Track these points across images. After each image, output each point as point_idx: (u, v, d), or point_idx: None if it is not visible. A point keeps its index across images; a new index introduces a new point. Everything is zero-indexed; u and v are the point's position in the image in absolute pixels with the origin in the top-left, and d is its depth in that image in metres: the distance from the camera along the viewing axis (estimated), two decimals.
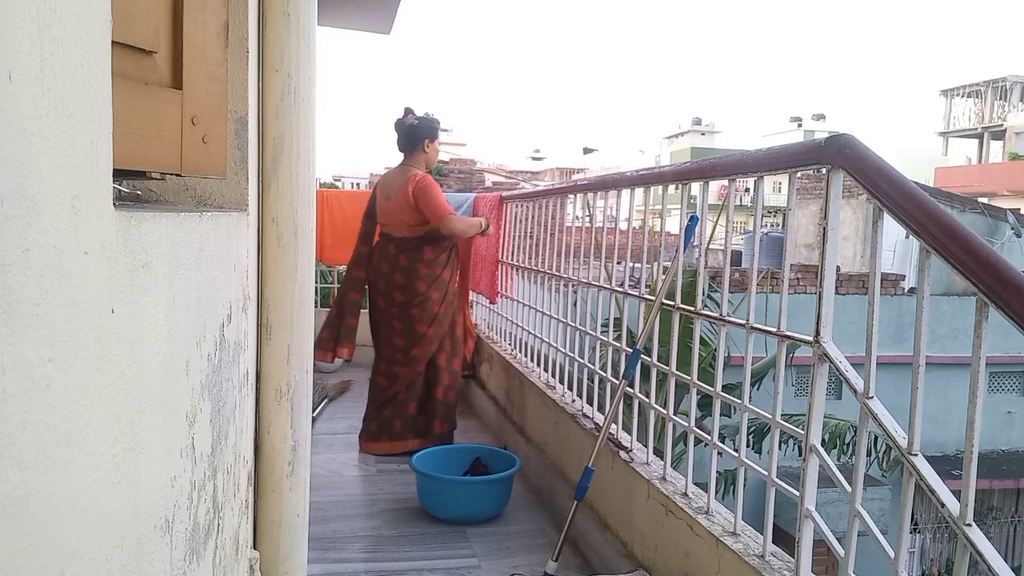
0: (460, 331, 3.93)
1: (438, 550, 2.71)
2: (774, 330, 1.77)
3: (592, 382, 2.91)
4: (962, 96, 32.15)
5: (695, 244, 2.31)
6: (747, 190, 2.40)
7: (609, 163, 43.90)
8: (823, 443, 1.63)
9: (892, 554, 1.36)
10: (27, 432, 0.60)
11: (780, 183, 21.51)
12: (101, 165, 0.72)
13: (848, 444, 6.09)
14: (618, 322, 2.75)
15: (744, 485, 1.93)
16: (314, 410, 4.22)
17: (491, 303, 4.52)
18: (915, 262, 4.83)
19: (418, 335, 3.66)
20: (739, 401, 1.93)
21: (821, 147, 1.56)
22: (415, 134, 3.67)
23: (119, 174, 0.93)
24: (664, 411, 2.31)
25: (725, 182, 2.00)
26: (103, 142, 0.73)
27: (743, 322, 1.89)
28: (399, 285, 3.65)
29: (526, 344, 3.88)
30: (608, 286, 2.78)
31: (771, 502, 1.78)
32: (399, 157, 3.77)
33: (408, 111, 3.72)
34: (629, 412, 2.53)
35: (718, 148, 39.59)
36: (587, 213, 3.29)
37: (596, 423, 2.77)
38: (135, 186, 1.30)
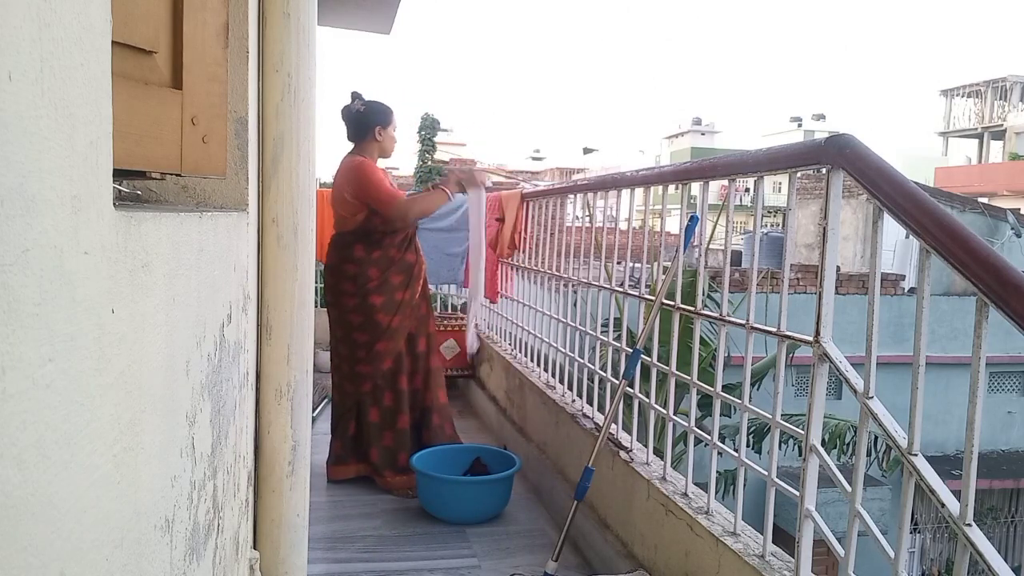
0: (433, 357, 3.35)
1: (438, 550, 2.71)
2: (774, 330, 1.77)
3: (592, 382, 2.91)
4: (962, 96, 32.16)
5: (695, 244, 2.31)
6: (747, 190, 2.40)
7: (609, 163, 43.87)
8: (823, 443, 1.63)
9: (892, 554, 1.36)
10: (27, 432, 0.60)
11: (780, 183, 21.50)
12: (101, 165, 0.72)
13: (848, 444, 6.09)
14: (618, 322, 2.75)
15: (744, 485, 1.93)
16: (314, 410, 4.22)
17: (491, 303, 4.53)
18: (915, 262, 4.83)
19: (359, 345, 3.19)
20: (739, 401, 1.93)
21: (821, 147, 1.56)
22: (363, 121, 3.20)
23: (119, 174, 0.93)
24: (664, 411, 2.31)
25: (725, 182, 2.01)
26: (103, 142, 0.73)
27: (743, 322, 1.89)
28: (329, 287, 3.25)
29: (526, 344, 3.88)
30: (608, 286, 2.78)
31: (771, 502, 1.78)
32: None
33: (355, 96, 3.25)
34: (629, 412, 2.53)
35: (718, 148, 39.58)
36: (587, 213, 3.29)
37: (596, 423, 2.77)
38: (135, 186, 1.30)
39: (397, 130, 3.31)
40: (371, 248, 3.17)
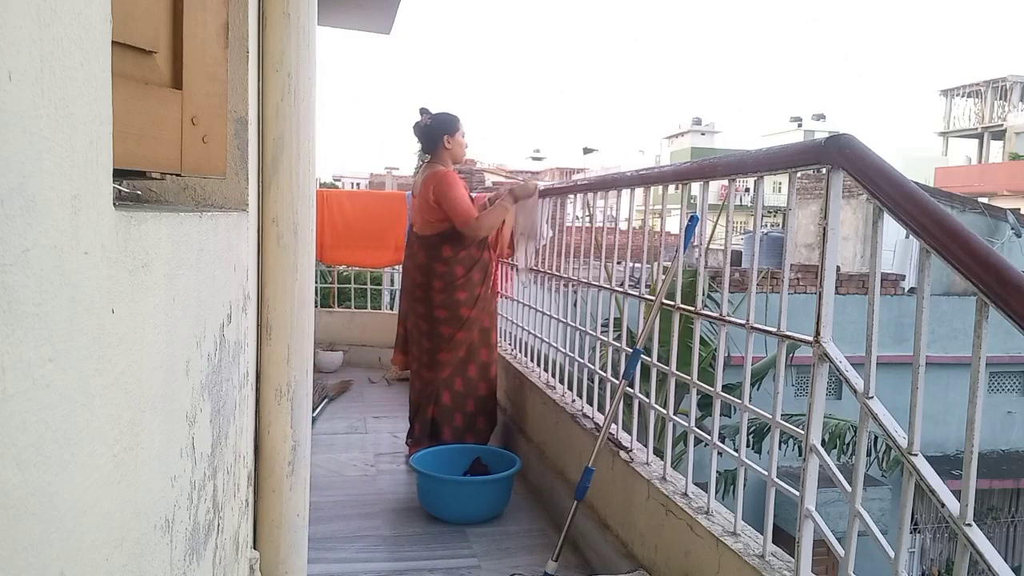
0: (486, 350, 3.61)
1: (438, 550, 2.71)
2: (774, 330, 1.77)
3: (592, 382, 2.91)
4: (962, 96, 32.16)
5: (695, 244, 2.31)
6: (747, 190, 2.40)
7: (609, 163, 43.90)
8: (823, 443, 1.63)
9: (892, 554, 1.36)
10: (27, 432, 0.60)
11: (780, 183, 21.50)
12: (101, 165, 0.72)
13: (848, 444, 6.09)
14: (618, 322, 2.75)
15: (744, 485, 1.92)
16: (314, 410, 4.22)
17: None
18: (915, 262, 4.82)
19: (443, 337, 3.50)
20: (739, 401, 1.93)
21: (821, 147, 1.56)
22: (431, 133, 3.54)
23: (119, 174, 0.93)
24: (664, 411, 2.31)
25: (725, 182, 2.01)
26: (103, 142, 0.73)
27: (743, 322, 1.89)
28: (418, 284, 3.54)
29: (526, 344, 3.88)
30: (608, 286, 2.78)
31: (771, 502, 1.78)
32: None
33: (423, 111, 3.60)
34: (629, 412, 2.52)
35: (718, 148, 39.57)
36: (587, 213, 3.29)
37: (596, 423, 2.77)
38: (135, 186, 1.30)
39: (466, 135, 3.61)
40: (457, 248, 3.48)
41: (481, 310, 3.55)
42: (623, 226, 3.05)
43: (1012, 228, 13.46)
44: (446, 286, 3.47)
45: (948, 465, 9.55)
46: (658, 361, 2.44)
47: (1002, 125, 30.16)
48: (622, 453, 2.47)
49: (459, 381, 3.56)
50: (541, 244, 3.64)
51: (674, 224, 13.65)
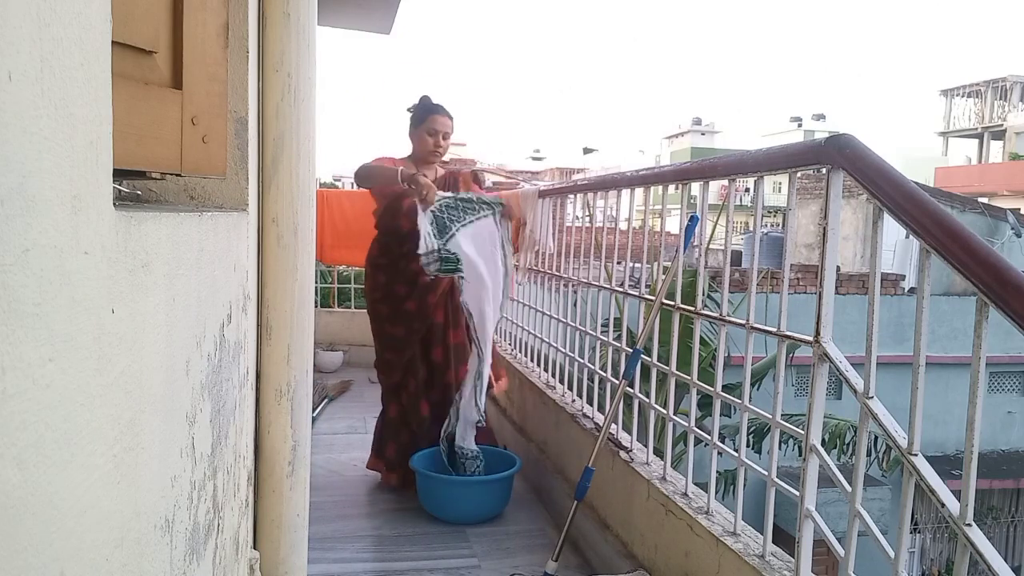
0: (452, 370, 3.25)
1: (438, 550, 2.71)
2: (774, 330, 1.77)
3: (592, 382, 2.91)
4: (962, 96, 32.16)
5: (695, 244, 2.31)
6: (747, 190, 2.39)
7: (609, 163, 43.88)
8: (823, 443, 1.63)
9: (892, 554, 1.36)
10: (27, 432, 0.60)
11: (780, 183, 21.49)
12: (101, 165, 0.72)
13: (848, 444, 6.08)
14: (618, 322, 2.75)
15: (744, 485, 1.92)
16: (314, 410, 4.22)
17: None
18: (915, 262, 4.82)
19: (386, 335, 3.25)
20: (739, 401, 1.93)
21: (821, 147, 1.56)
22: (410, 124, 3.24)
23: (119, 174, 0.93)
24: (664, 411, 2.31)
25: (725, 182, 2.00)
26: (103, 142, 0.73)
27: (743, 322, 1.89)
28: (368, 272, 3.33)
29: (526, 344, 3.88)
30: (608, 286, 2.78)
31: (771, 502, 1.78)
32: (399, 156, 3.55)
33: (422, 98, 3.27)
34: (629, 412, 2.52)
35: (718, 148, 39.58)
36: (587, 213, 3.29)
37: (596, 423, 2.77)
38: (135, 186, 1.30)
39: (434, 134, 3.14)
40: (383, 254, 3.22)
41: (416, 319, 3.16)
42: (623, 226, 3.04)
43: (1012, 228, 13.46)
44: (388, 280, 3.19)
45: (948, 465, 9.56)
46: (658, 361, 2.44)
47: (1002, 125, 30.16)
48: (622, 453, 2.47)
49: (394, 407, 3.27)
50: (544, 251, 3.61)
51: (674, 224, 13.65)
